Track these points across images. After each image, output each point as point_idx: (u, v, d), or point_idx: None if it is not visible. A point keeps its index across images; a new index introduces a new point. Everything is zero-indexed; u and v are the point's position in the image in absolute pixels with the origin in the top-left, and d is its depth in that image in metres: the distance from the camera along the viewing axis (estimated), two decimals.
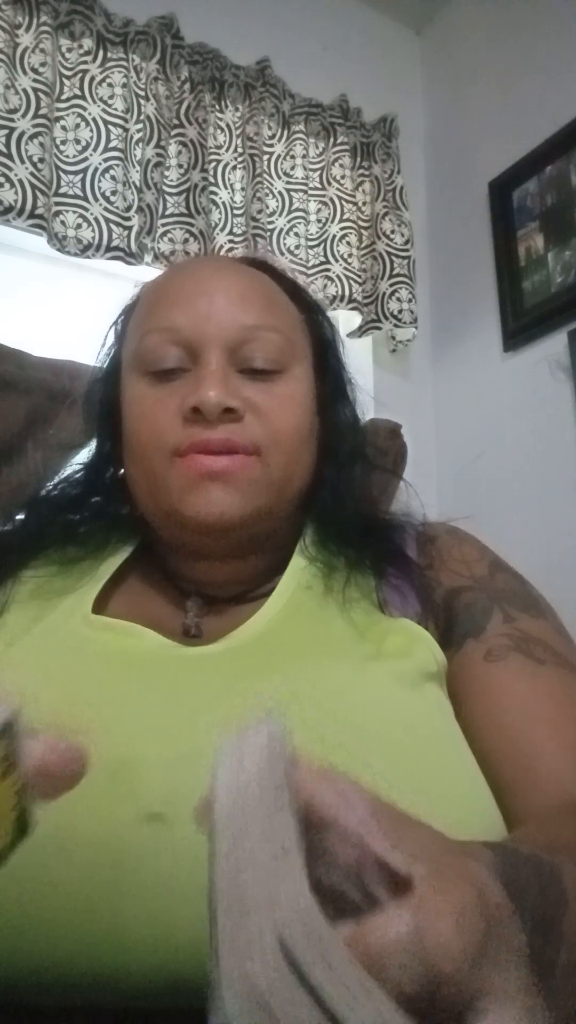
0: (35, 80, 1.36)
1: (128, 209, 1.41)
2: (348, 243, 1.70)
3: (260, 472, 0.61)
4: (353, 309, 1.68)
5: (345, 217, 1.71)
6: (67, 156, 1.39)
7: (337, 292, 1.66)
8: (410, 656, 0.56)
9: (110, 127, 1.43)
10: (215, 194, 1.55)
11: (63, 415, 1.04)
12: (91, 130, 1.42)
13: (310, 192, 1.68)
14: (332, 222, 1.70)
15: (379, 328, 1.68)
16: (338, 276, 1.67)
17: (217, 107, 1.59)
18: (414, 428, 1.61)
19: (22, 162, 1.32)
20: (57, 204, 1.36)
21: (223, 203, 1.56)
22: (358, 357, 1.69)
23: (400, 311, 1.67)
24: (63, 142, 1.40)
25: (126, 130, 1.44)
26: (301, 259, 1.63)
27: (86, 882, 0.44)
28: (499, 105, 1.78)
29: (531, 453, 1.58)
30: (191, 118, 1.53)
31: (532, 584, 0.67)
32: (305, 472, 0.67)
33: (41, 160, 1.34)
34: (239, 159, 1.59)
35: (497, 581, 0.65)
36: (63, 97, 1.41)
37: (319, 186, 1.70)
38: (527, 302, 1.63)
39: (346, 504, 0.69)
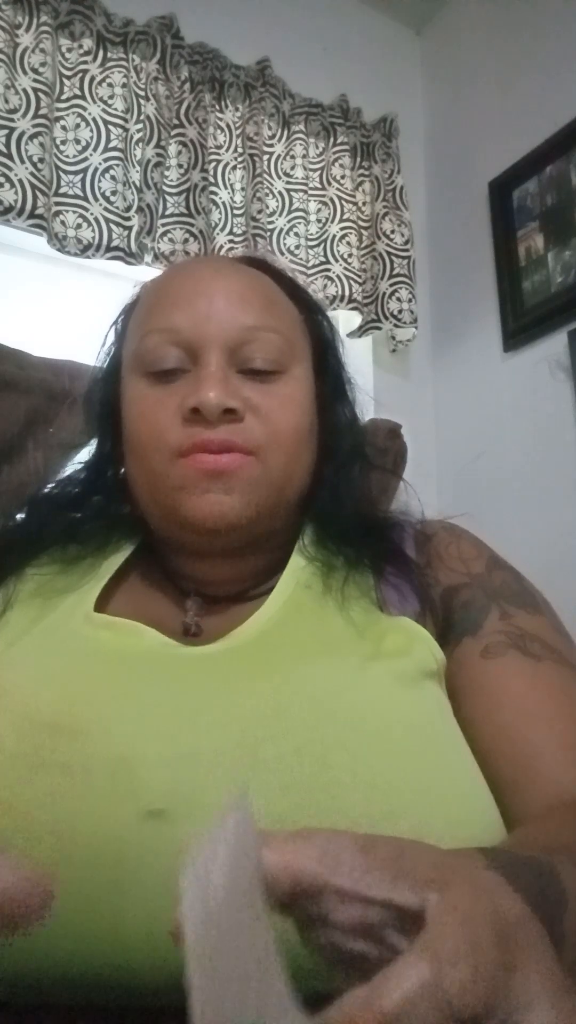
0: (35, 80, 1.36)
1: (128, 209, 1.41)
2: (348, 243, 1.70)
3: (259, 472, 0.61)
4: (353, 309, 1.68)
5: (345, 217, 1.71)
6: (67, 156, 1.40)
7: (337, 292, 1.66)
8: (409, 655, 0.56)
9: (110, 127, 1.43)
10: (215, 194, 1.55)
11: (63, 415, 1.05)
12: (91, 130, 1.42)
13: (310, 192, 1.68)
14: (332, 222, 1.70)
15: (379, 328, 1.68)
16: (338, 276, 1.67)
17: (217, 107, 1.60)
18: (414, 428, 1.61)
19: (22, 162, 1.32)
20: (57, 204, 1.37)
21: (223, 203, 1.56)
22: (358, 357, 1.69)
23: (400, 311, 1.67)
24: (63, 142, 1.40)
25: (126, 130, 1.44)
26: (301, 259, 1.63)
27: (87, 880, 0.44)
28: (499, 105, 1.78)
29: (531, 453, 1.58)
30: (191, 118, 1.53)
31: (530, 581, 0.67)
32: (304, 472, 0.67)
33: (41, 160, 1.34)
34: (239, 159, 1.59)
35: (494, 578, 0.65)
36: (63, 97, 1.41)
37: (319, 186, 1.70)
38: (527, 302, 1.63)
39: (345, 504, 0.70)
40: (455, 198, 1.87)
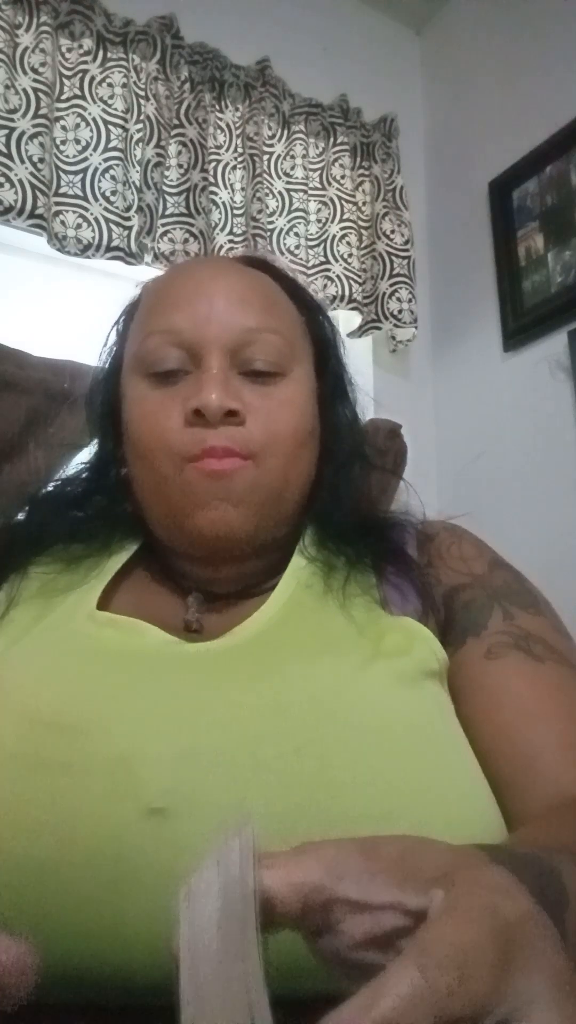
0: (35, 80, 1.36)
1: (128, 209, 1.41)
2: (348, 243, 1.70)
3: (255, 476, 0.61)
4: (353, 309, 1.68)
5: (345, 217, 1.71)
6: (67, 156, 1.40)
7: (337, 292, 1.66)
8: (410, 654, 0.56)
9: (110, 127, 1.43)
10: (215, 194, 1.55)
11: (64, 415, 1.04)
12: (91, 130, 1.42)
13: (310, 192, 1.68)
14: (332, 222, 1.70)
15: (379, 328, 1.68)
16: (338, 276, 1.67)
17: (217, 107, 1.60)
18: (414, 428, 1.61)
19: (22, 162, 1.32)
20: (57, 204, 1.37)
21: (223, 203, 1.56)
22: (358, 357, 1.69)
23: (400, 311, 1.67)
24: (63, 142, 1.40)
25: (126, 130, 1.44)
26: (301, 259, 1.63)
27: (87, 879, 0.44)
28: (499, 105, 1.78)
29: (531, 453, 1.58)
30: (191, 118, 1.53)
31: (530, 581, 0.67)
32: (304, 475, 0.67)
33: (41, 160, 1.34)
34: (239, 159, 1.59)
35: (496, 579, 0.65)
36: (63, 97, 1.41)
37: (319, 186, 1.70)
38: (527, 302, 1.63)
39: (345, 504, 0.70)
40: (455, 198, 1.87)
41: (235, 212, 1.57)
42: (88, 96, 1.43)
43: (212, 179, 1.55)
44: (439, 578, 0.65)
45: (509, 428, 1.64)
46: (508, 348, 1.66)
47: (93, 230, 1.38)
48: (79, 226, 1.38)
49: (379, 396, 1.31)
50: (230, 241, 1.55)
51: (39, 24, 1.39)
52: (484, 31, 1.85)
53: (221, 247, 1.53)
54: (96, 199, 1.40)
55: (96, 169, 1.41)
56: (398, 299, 1.68)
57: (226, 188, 1.57)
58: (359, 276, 1.69)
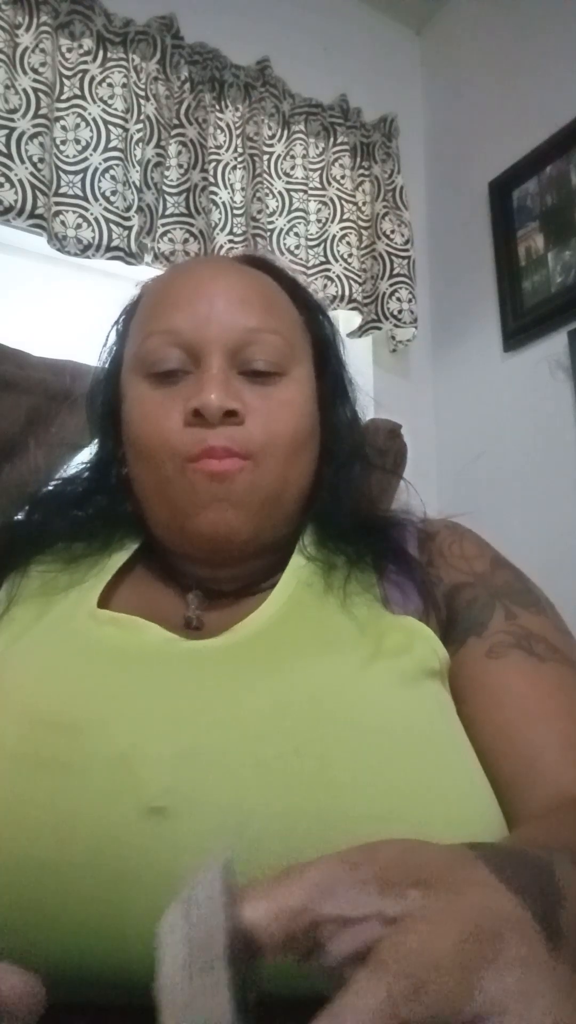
0: (35, 80, 1.36)
1: (128, 209, 1.41)
2: (348, 243, 1.70)
3: (254, 477, 0.61)
4: (353, 309, 1.68)
5: (345, 217, 1.71)
6: (67, 156, 1.40)
7: (337, 292, 1.66)
8: (411, 653, 0.56)
9: (110, 127, 1.43)
10: (215, 194, 1.55)
11: (64, 415, 1.04)
12: (91, 130, 1.42)
13: (310, 192, 1.68)
14: (332, 222, 1.70)
15: (379, 328, 1.68)
16: (338, 276, 1.67)
17: (217, 107, 1.60)
18: (414, 428, 1.61)
19: (22, 162, 1.32)
20: (57, 204, 1.37)
21: (223, 203, 1.56)
22: (358, 357, 1.69)
23: (400, 311, 1.67)
24: (63, 142, 1.40)
25: (126, 130, 1.44)
26: (301, 259, 1.63)
27: (88, 878, 0.44)
28: (499, 105, 1.78)
29: (531, 453, 1.58)
30: (191, 118, 1.53)
31: (532, 581, 0.67)
32: (303, 475, 0.67)
33: (41, 160, 1.34)
34: (239, 159, 1.59)
35: (498, 577, 0.65)
36: (63, 97, 1.41)
37: (319, 186, 1.71)
38: (527, 302, 1.63)
39: (345, 504, 0.70)
40: (455, 198, 1.87)
41: (235, 212, 1.57)
42: (88, 96, 1.43)
43: (212, 179, 1.55)
44: (440, 576, 0.65)
45: (509, 428, 1.64)
46: (508, 348, 1.66)
47: (93, 230, 1.38)
48: (79, 226, 1.38)
49: (379, 396, 1.31)
50: (230, 241, 1.55)
51: (39, 24, 1.39)
52: (484, 31, 1.85)
53: (221, 247, 1.53)
54: (96, 199, 1.40)
55: (96, 169, 1.41)
56: (398, 299, 1.68)
57: (226, 188, 1.57)
58: (359, 276, 1.69)
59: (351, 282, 1.68)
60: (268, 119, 1.66)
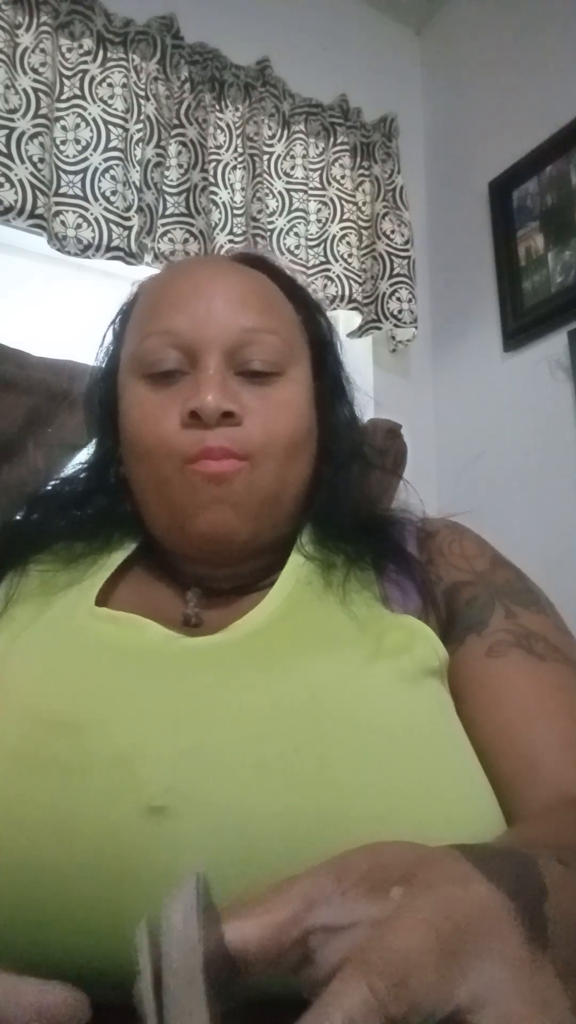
0: (35, 80, 1.36)
1: (128, 209, 1.41)
2: (348, 243, 1.70)
3: (253, 478, 0.61)
4: (353, 309, 1.68)
5: (345, 217, 1.71)
6: (67, 156, 1.40)
7: (337, 292, 1.66)
8: (410, 652, 0.56)
9: (110, 127, 1.43)
10: (215, 194, 1.55)
11: (63, 414, 1.04)
12: (91, 130, 1.42)
13: (310, 192, 1.68)
14: (332, 222, 1.70)
15: (379, 328, 1.68)
16: (338, 276, 1.67)
17: (217, 107, 1.60)
18: (414, 428, 1.61)
19: (22, 162, 1.32)
20: (57, 204, 1.37)
21: (223, 203, 1.56)
22: (358, 357, 1.69)
23: (400, 311, 1.67)
24: (63, 142, 1.40)
25: (126, 130, 1.44)
26: (301, 259, 1.63)
27: (89, 878, 0.44)
28: (499, 105, 1.78)
29: (531, 453, 1.58)
30: (191, 118, 1.53)
31: (532, 580, 0.67)
32: (301, 475, 0.67)
33: (41, 160, 1.34)
34: (239, 159, 1.59)
35: (498, 576, 0.65)
36: (63, 97, 1.41)
37: (319, 186, 1.71)
38: (527, 302, 1.63)
39: (343, 504, 0.70)
40: (455, 198, 1.87)
41: (235, 212, 1.57)
42: (88, 96, 1.43)
43: (212, 179, 1.55)
44: (440, 575, 0.65)
45: (509, 428, 1.64)
46: (508, 348, 1.66)
47: (93, 230, 1.38)
48: (79, 226, 1.38)
49: (379, 396, 1.31)
50: (230, 241, 1.55)
51: (39, 24, 1.39)
52: (484, 31, 1.85)
53: (221, 247, 1.53)
54: (96, 199, 1.40)
55: (96, 169, 1.41)
56: (398, 299, 1.68)
57: (226, 188, 1.57)
58: (359, 276, 1.69)
59: (351, 282, 1.68)
60: (268, 119, 1.66)
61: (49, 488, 0.77)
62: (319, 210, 1.69)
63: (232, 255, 0.77)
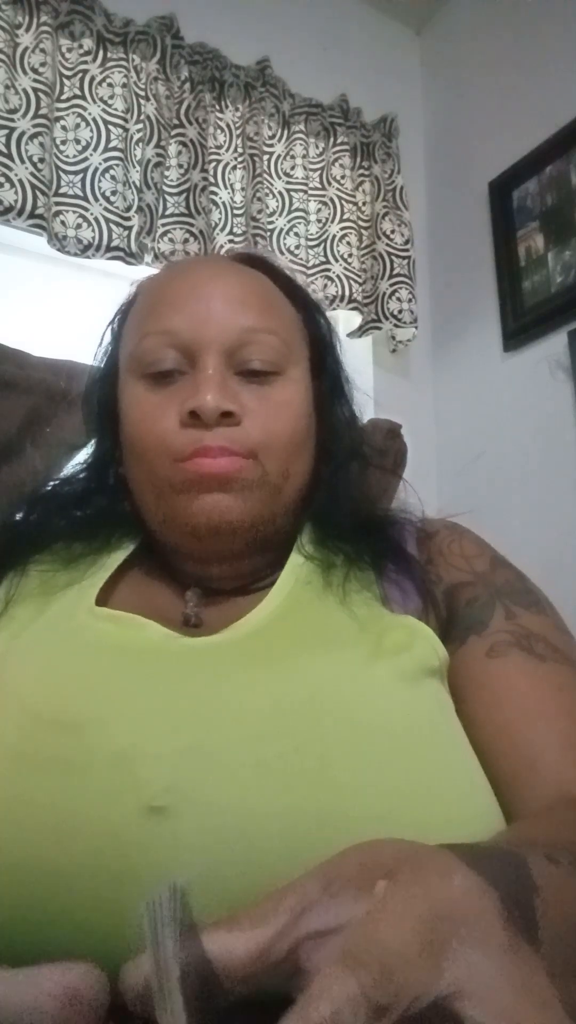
0: (35, 80, 1.36)
1: (128, 209, 1.41)
2: (348, 243, 1.70)
3: (257, 474, 0.61)
4: (353, 309, 1.68)
5: (345, 217, 1.71)
6: (67, 156, 1.40)
7: (337, 292, 1.66)
8: (411, 652, 0.56)
9: (110, 127, 1.43)
10: (215, 194, 1.55)
11: (62, 414, 1.04)
12: (91, 130, 1.42)
13: (310, 192, 1.68)
14: (332, 222, 1.70)
15: (379, 328, 1.68)
16: (338, 276, 1.67)
17: (217, 107, 1.60)
18: (414, 428, 1.61)
19: (22, 162, 1.32)
20: (57, 204, 1.37)
21: (223, 203, 1.56)
22: (358, 357, 1.69)
23: (400, 311, 1.67)
24: (63, 142, 1.40)
25: (126, 130, 1.44)
26: (301, 259, 1.63)
27: (89, 877, 0.44)
28: (499, 105, 1.78)
29: (531, 453, 1.58)
30: (191, 118, 1.53)
31: (531, 580, 0.67)
32: (302, 474, 0.67)
33: (41, 160, 1.34)
34: (239, 159, 1.59)
35: (498, 577, 0.65)
36: (63, 97, 1.41)
37: (319, 186, 1.71)
38: (527, 302, 1.63)
39: (343, 503, 0.69)
40: (455, 198, 1.87)
41: (235, 212, 1.57)
42: (88, 96, 1.43)
43: (212, 179, 1.55)
44: (440, 575, 0.65)
45: (509, 428, 1.64)
46: (508, 348, 1.66)
47: (93, 230, 1.38)
48: (79, 226, 1.38)
49: (379, 396, 1.31)
50: (230, 241, 1.55)
51: (39, 24, 1.39)
52: (484, 31, 1.85)
53: (221, 247, 1.54)
54: (96, 199, 1.40)
55: (96, 169, 1.41)
56: (398, 299, 1.68)
57: (226, 188, 1.57)
58: (359, 276, 1.69)
59: (351, 282, 1.68)
60: (268, 119, 1.66)
61: (48, 488, 0.77)
62: (319, 210, 1.69)
63: (232, 255, 0.77)
